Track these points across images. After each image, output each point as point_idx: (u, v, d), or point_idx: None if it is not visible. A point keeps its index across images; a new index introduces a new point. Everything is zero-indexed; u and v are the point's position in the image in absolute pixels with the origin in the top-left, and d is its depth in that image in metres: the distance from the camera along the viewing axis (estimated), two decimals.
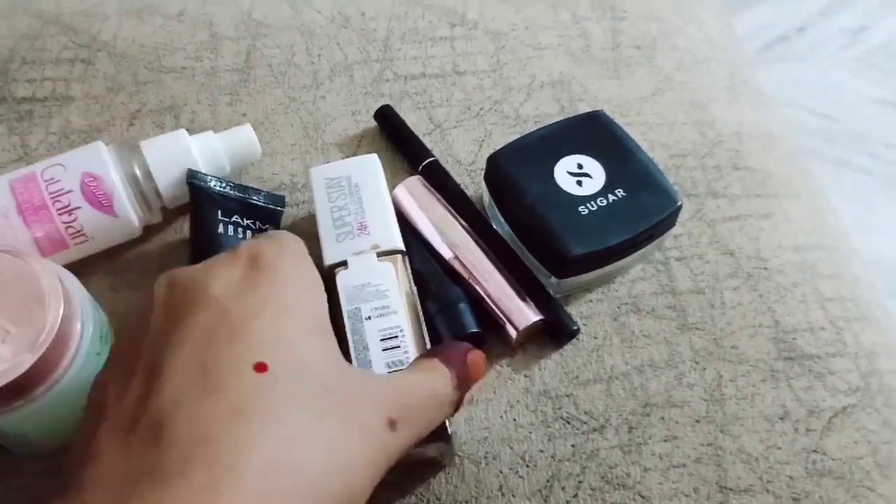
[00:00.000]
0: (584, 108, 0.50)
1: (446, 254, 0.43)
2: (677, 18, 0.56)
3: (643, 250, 0.43)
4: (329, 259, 0.38)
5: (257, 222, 0.43)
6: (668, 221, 0.43)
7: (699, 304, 0.43)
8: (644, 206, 0.42)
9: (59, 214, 0.41)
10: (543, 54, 0.53)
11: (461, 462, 0.38)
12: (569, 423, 0.39)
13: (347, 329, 0.36)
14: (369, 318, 0.36)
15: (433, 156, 0.47)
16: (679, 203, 0.42)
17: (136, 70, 0.52)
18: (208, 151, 0.44)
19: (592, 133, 0.44)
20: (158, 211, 0.44)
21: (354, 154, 0.48)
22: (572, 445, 0.39)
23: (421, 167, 0.47)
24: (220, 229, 0.42)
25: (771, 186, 0.48)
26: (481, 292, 0.42)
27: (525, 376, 0.41)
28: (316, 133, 0.49)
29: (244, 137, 0.45)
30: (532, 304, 0.41)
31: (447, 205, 0.45)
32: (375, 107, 0.50)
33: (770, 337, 0.42)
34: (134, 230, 0.43)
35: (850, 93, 1.36)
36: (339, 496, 0.24)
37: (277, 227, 0.44)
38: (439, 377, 0.30)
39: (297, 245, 0.30)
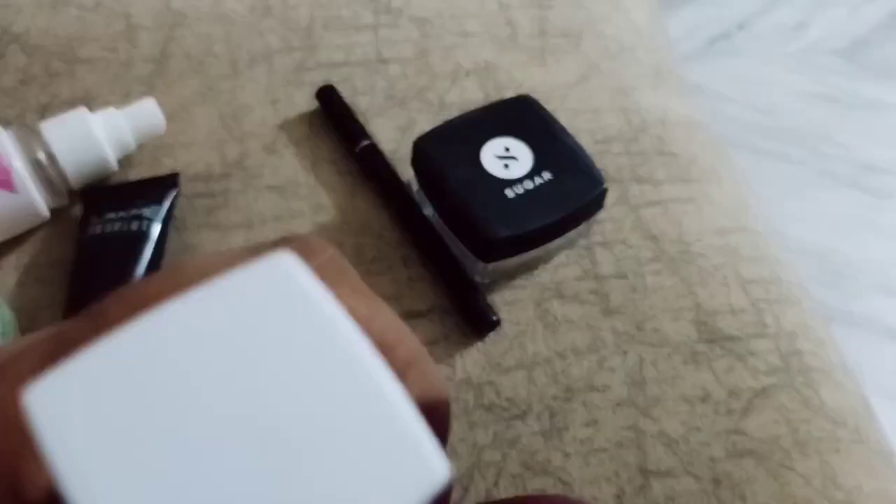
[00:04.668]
0: (509, 95, 0.49)
1: None
2: (604, 7, 0.56)
3: (570, 234, 0.43)
4: None
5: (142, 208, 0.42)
6: (595, 204, 0.42)
7: (622, 288, 0.43)
8: (570, 188, 0.41)
9: None
10: (469, 42, 0.52)
11: None
12: (490, 410, 0.39)
13: None
14: None
15: (371, 139, 0.46)
16: (604, 186, 0.42)
17: (48, 62, 0.50)
18: (111, 128, 0.43)
19: (519, 116, 0.44)
20: (65, 193, 0.43)
21: (273, 144, 0.47)
22: (494, 433, 0.38)
23: (358, 149, 0.46)
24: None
25: (694, 171, 0.48)
26: None
27: (447, 365, 0.40)
28: (234, 123, 0.47)
29: (147, 111, 0.44)
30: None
31: None
32: (296, 95, 0.49)
33: (691, 319, 0.42)
34: (41, 214, 0.42)
35: (788, 88, 1.39)
36: None
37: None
38: None
39: None
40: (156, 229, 0.41)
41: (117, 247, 0.40)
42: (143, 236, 0.41)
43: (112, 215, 0.41)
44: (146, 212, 0.41)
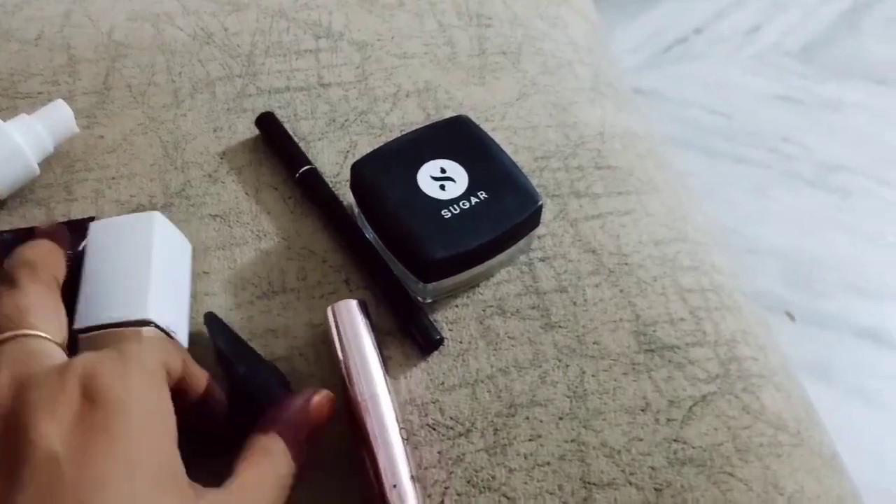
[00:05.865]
0: (449, 115, 0.50)
1: (361, 392, 0.38)
2: (542, 24, 0.57)
3: (509, 251, 0.43)
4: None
5: None
6: (531, 221, 0.43)
7: (562, 302, 0.43)
8: (506, 207, 0.42)
9: None
10: (409, 63, 0.53)
11: (326, 478, 0.38)
12: (434, 429, 0.39)
13: None
14: None
15: (311, 164, 0.47)
16: (540, 202, 0.42)
17: None
18: (29, 134, 0.44)
19: (455, 137, 0.45)
20: None
21: (216, 172, 0.47)
22: (438, 452, 0.39)
23: (298, 175, 0.46)
24: None
25: (632, 184, 0.48)
26: (372, 451, 0.37)
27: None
28: (176, 152, 0.48)
29: (59, 113, 0.46)
30: (415, 486, 0.36)
31: (374, 343, 0.40)
32: (238, 123, 0.49)
33: (631, 331, 0.42)
34: None
35: (747, 90, 1.41)
36: None
37: None
38: (279, 458, 0.31)
39: (144, 361, 0.28)
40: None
41: None
42: None
43: None
44: None
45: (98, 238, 0.40)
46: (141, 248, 0.39)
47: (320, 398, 0.35)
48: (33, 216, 0.45)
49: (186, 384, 0.32)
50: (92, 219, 0.43)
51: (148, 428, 0.26)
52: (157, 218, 0.41)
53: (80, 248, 0.41)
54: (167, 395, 0.28)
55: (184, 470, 0.28)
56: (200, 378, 0.33)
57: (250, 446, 0.32)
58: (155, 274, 0.39)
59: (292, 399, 0.35)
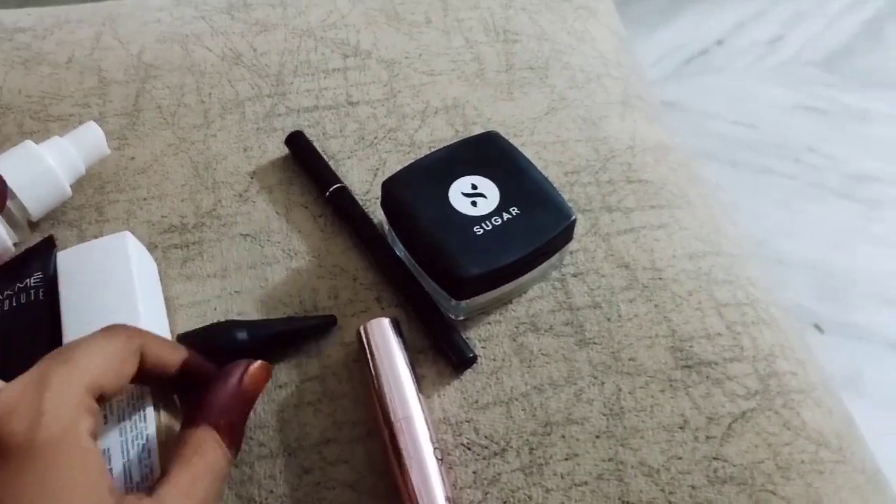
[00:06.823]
0: (478, 131, 0.50)
1: (394, 412, 0.38)
2: (570, 38, 0.57)
3: (542, 267, 0.43)
4: None
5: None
6: (564, 237, 0.43)
7: (596, 318, 0.43)
8: (538, 222, 0.42)
9: None
10: (437, 80, 0.53)
11: (359, 498, 0.37)
12: (469, 449, 0.39)
13: None
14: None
15: (341, 182, 0.47)
16: (573, 218, 0.42)
17: (21, 121, 0.50)
18: (61, 156, 0.44)
19: (486, 153, 0.45)
20: (26, 226, 0.44)
21: (246, 191, 0.47)
22: (473, 472, 0.38)
23: (328, 193, 0.46)
24: None
25: (664, 197, 0.48)
26: (406, 471, 0.36)
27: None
28: (206, 172, 0.48)
29: (91, 134, 0.46)
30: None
31: (408, 362, 0.40)
32: (268, 142, 0.49)
33: (667, 346, 0.42)
34: (8, 249, 0.43)
35: (770, 101, 1.40)
36: None
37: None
38: (213, 453, 0.30)
39: (63, 392, 0.26)
40: (45, 293, 0.40)
41: (16, 323, 0.39)
42: (35, 305, 0.39)
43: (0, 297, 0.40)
44: (30, 281, 0.40)
45: (70, 267, 0.40)
46: (120, 270, 0.39)
47: (254, 371, 0.34)
48: (65, 237, 0.45)
49: (153, 370, 0.32)
50: (51, 238, 0.43)
51: (63, 467, 0.25)
52: (129, 237, 0.41)
53: (51, 261, 0.41)
54: (86, 424, 0.27)
55: (109, 484, 0.27)
56: (171, 358, 0.33)
57: (182, 443, 0.30)
58: (140, 293, 0.39)
59: (222, 381, 0.33)
